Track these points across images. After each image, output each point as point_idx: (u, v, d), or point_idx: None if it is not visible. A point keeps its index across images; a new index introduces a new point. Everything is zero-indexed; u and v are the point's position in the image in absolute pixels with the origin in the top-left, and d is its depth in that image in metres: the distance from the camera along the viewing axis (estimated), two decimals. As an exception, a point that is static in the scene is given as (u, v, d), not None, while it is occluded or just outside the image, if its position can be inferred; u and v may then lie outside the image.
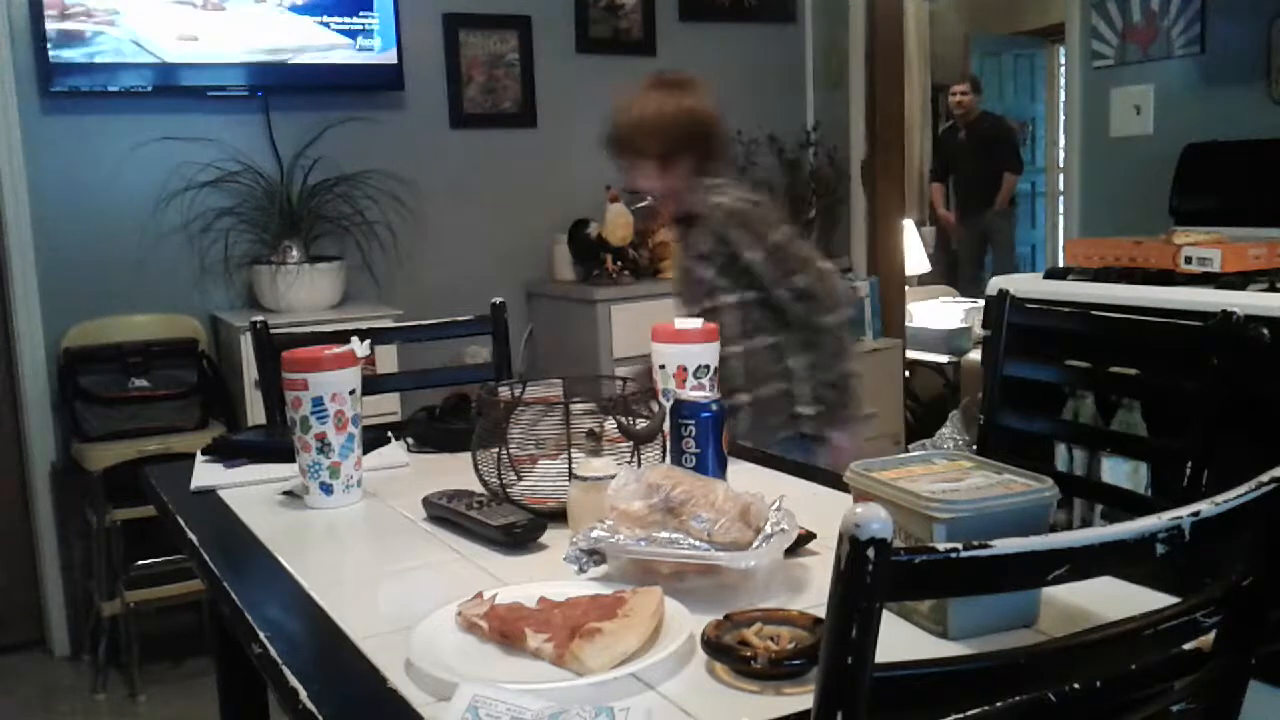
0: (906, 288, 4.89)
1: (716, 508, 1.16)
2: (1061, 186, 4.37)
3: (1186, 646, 0.97)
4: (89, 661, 3.19)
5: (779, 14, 4.28)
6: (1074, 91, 3.50)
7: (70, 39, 3.05)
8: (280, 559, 1.34)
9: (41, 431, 3.22)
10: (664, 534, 1.15)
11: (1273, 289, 2.18)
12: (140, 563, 3.06)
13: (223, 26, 3.22)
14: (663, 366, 1.65)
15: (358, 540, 1.45)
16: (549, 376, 1.72)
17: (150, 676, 3.08)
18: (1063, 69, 4.31)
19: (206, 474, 1.73)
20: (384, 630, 1.09)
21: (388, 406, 3.07)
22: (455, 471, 1.63)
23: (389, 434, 1.91)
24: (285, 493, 1.61)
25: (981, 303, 3.94)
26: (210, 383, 3.22)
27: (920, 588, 0.79)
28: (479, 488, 1.47)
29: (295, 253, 3.29)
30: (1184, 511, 0.79)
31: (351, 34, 3.39)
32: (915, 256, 5.76)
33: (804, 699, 0.91)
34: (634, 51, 3.99)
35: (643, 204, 3.78)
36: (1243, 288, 2.21)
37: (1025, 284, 2.54)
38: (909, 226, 5.53)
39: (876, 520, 0.67)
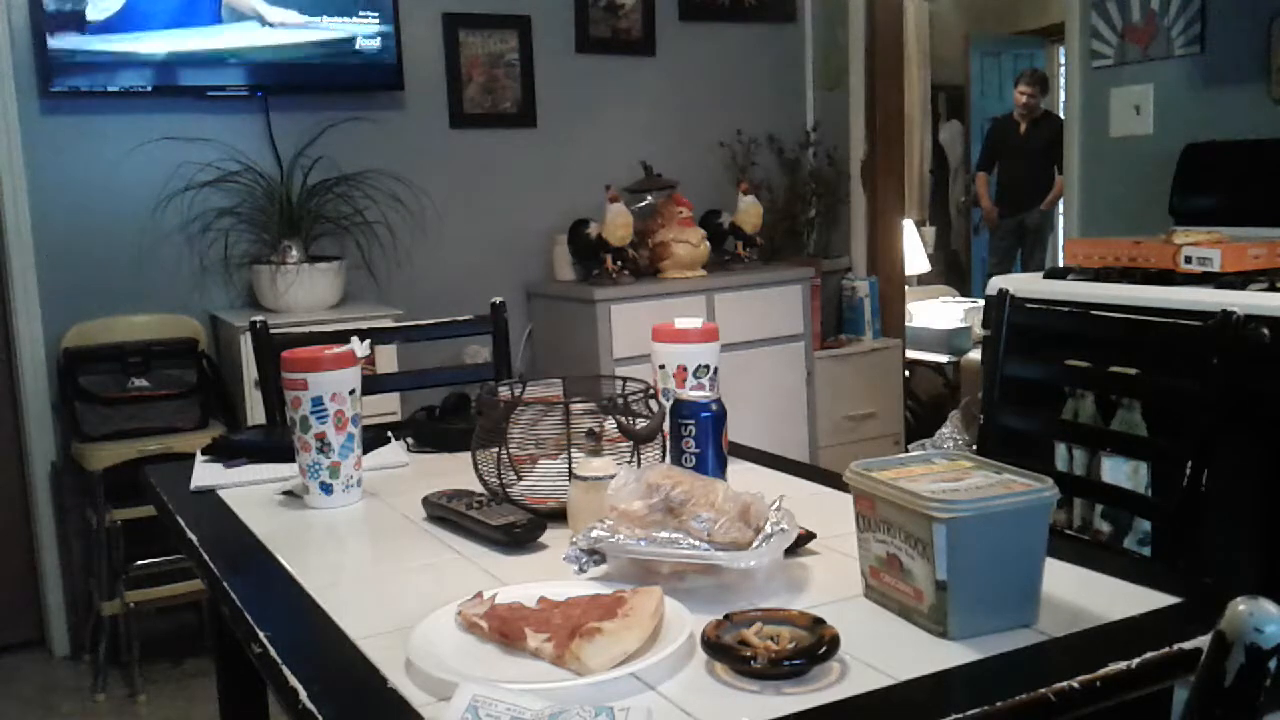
0: (906, 288, 4.89)
1: (716, 508, 1.16)
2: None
3: (1186, 646, 0.97)
4: (89, 661, 3.19)
5: (779, 14, 4.28)
6: (1074, 91, 3.50)
7: (70, 39, 3.05)
8: (280, 559, 1.34)
9: (41, 431, 3.22)
10: (664, 534, 1.15)
11: (1273, 289, 2.18)
12: (140, 563, 3.06)
13: (222, 26, 3.22)
14: (663, 366, 1.65)
15: (358, 540, 1.45)
16: (549, 376, 1.72)
17: (150, 676, 3.08)
18: (1062, 69, 4.31)
19: (206, 474, 1.73)
20: (384, 630, 1.09)
21: (388, 406, 3.07)
22: (455, 471, 1.63)
23: (389, 434, 1.91)
24: (285, 493, 1.61)
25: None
26: (210, 383, 3.22)
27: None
28: (479, 488, 1.47)
29: (295, 253, 3.29)
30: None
31: (351, 34, 3.39)
32: (915, 256, 5.76)
33: (804, 699, 0.91)
34: (634, 51, 3.99)
35: (643, 203, 3.79)
36: (1243, 288, 2.21)
37: (1025, 284, 2.54)
38: (909, 226, 5.54)
39: (1274, 621, 0.56)
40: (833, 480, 1.53)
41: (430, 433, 1.88)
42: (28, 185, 3.15)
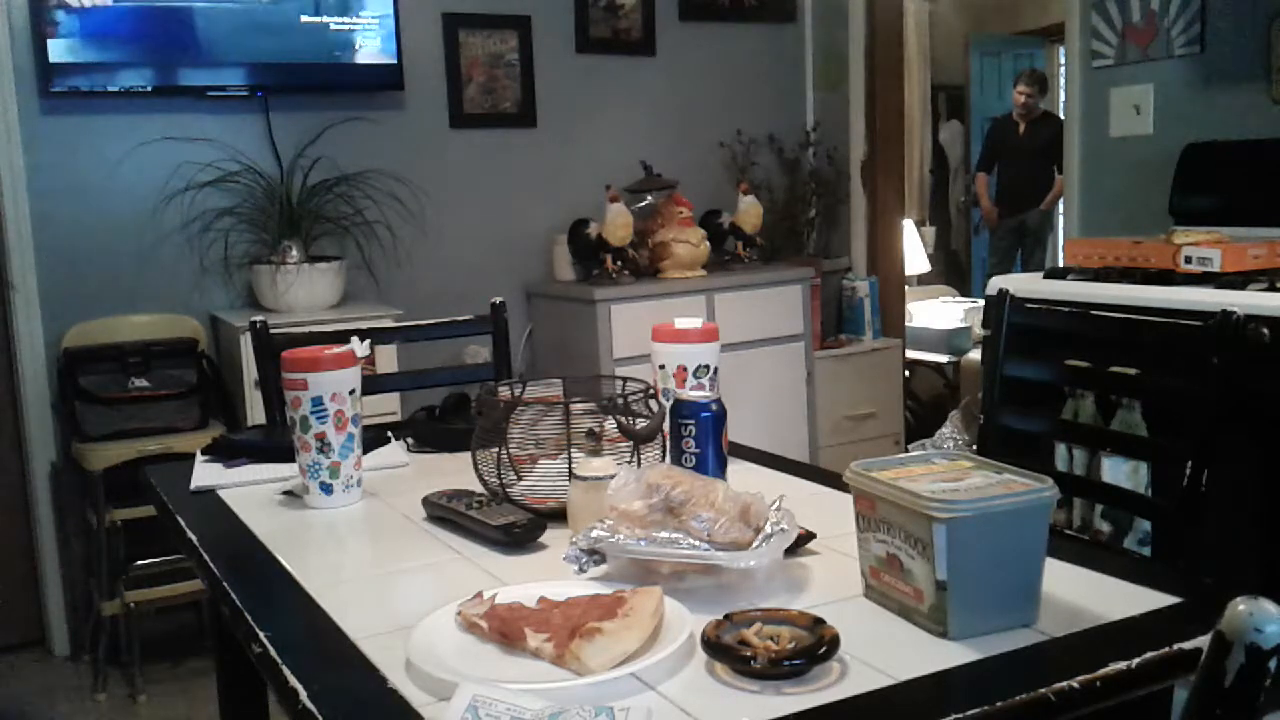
0: (906, 288, 4.89)
1: (716, 508, 1.16)
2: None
3: (1186, 646, 0.97)
4: (89, 661, 3.19)
5: (779, 14, 4.28)
6: (1074, 91, 3.50)
7: (70, 39, 3.05)
8: (280, 559, 1.34)
9: (41, 431, 3.22)
10: (664, 534, 1.15)
11: (1273, 289, 2.18)
12: (140, 563, 3.06)
13: (223, 26, 3.22)
14: (663, 366, 1.65)
15: (358, 540, 1.45)
16: (549, 376, 1.72)
17: (150, 676, 3.08)
18: (1063, 69, 4.31)
19: (206, 474, 1.73)
20: (384, 630, 1.09)
21: (388, 406, 3.07)
22: (455, 471, 1.63)
23: (389, 434, 1.91)
24: (285, 493, 1.61)
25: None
26: (210, 383, 3.22)
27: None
28: (479, 488, 1.47)
29: (295, 253, 3.29)
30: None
31: (351, 34, 3.39)
32: (915, 256, 5.76)
33: (804, 699, 0.91)
34: (634, 51, 3.99)
35: (643, 203, 3.79)
36: (1243, 288, 2.21)
37: (1025, 284, 2.54)
38: (909, 226, 5.54)
39: (1274, 621, 0.57)
40: (833, 480, 1.53)
41: (430, 433, 1.88)
42: (28, 185, 3.14)
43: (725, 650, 0.97)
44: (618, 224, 3.56)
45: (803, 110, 4.39)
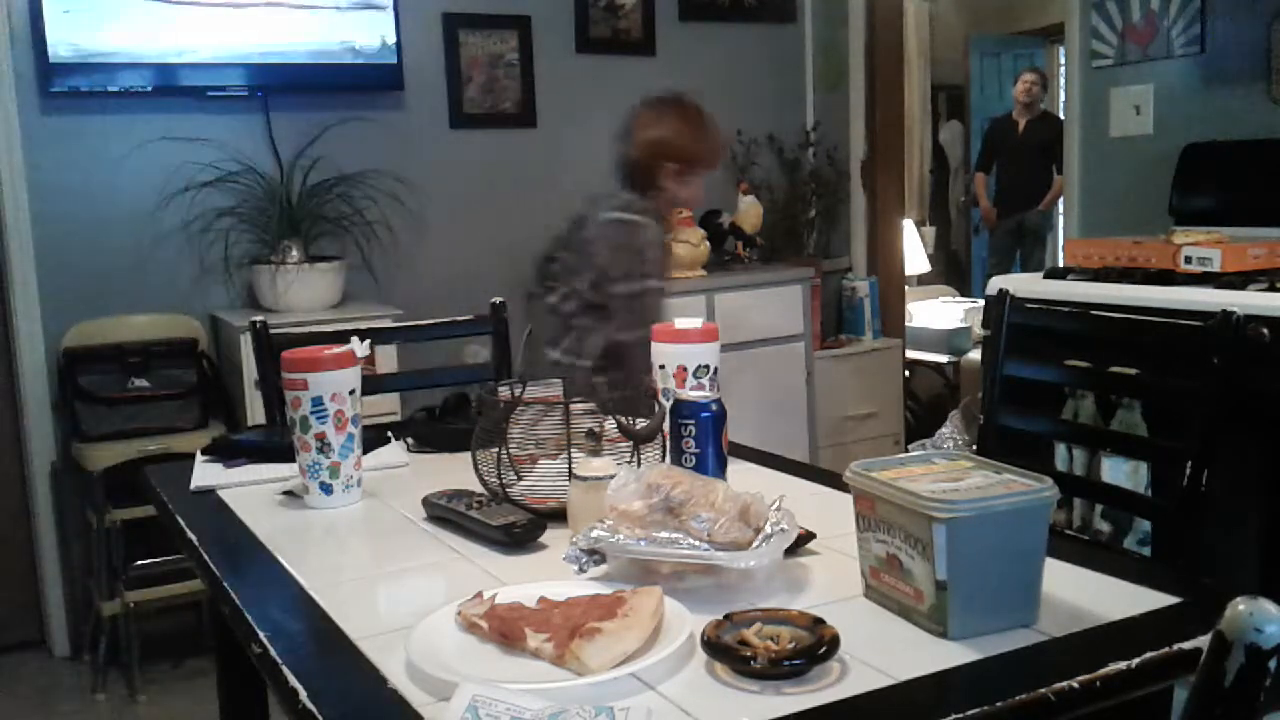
0: (906, 288, 4.89)
1: (716, 508, 1.16)
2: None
3: (1186, 646, 0.97)
4: (89, 661, 3.19)
5: (779, 14, 4.28)
6: (1074, 91, 3.50)
7: (70, 39, 3.05)
8: (280, 559, 1.34)
9: (41, 431, 3.22)
10: (664, 534, 1.15)
11: (1273, 289, 2.18)
12: (140, 563, 3.06)
13: (222, 26, 3.22)
14: (662, 366, 1.65)
15: (358, 540, 1.45)
16: (549, 376, 1.72)
17: (150, 676, 3.08)
18: (1062, 69, 4.31)
19: (206, 474, 1.73)
20: (384, 630, 1.09)
21: (388, 406, 3.07)
22: (455, 471, 1.63)
23: (389, 434, 1.91)
24: (285, 493, 1.61)
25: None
26: (210, 383, 3.22)
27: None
28: (479, 488, 1.47)
29: (295, 253, 3.29)
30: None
31: (351, 34, 3.39)
32: (915, 256, 5.76)
33: (804, 699, 0.91)
34: (634, 51, 3.99)
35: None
36: (1243, 288, 2.21)
37: (1025, 284, 2.54)
38: (909, 226, 5.54)
39: (1274, 621, 0.57)
40: (833, 480, 1.53)
41: (430, 433, 1.88)
42: (28, 185, 3.14)
43: (725, 650, 0.97)
44: (618, 224, 3.55)
45: (803, 110, 4.39)
